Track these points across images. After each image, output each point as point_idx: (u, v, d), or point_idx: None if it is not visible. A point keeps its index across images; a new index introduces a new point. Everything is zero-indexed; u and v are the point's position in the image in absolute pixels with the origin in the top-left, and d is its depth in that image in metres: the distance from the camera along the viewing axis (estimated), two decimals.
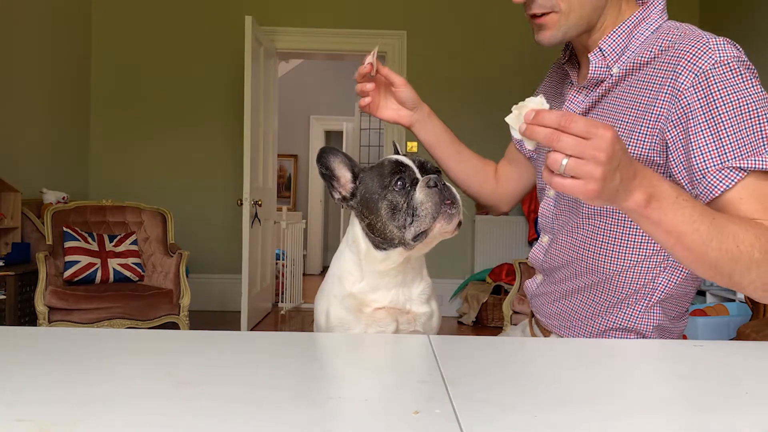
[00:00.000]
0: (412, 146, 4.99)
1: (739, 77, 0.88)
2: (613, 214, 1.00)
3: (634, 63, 0.99)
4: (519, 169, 1.29)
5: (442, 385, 0.64)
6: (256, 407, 0.57)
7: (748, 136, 0.85)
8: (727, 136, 0.86)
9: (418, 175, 0.92)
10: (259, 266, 4.54)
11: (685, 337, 1.16)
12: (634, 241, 0.99)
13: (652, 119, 0.94)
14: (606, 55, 1.01)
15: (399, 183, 0.91)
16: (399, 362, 0.77)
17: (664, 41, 0.96)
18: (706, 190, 0.88)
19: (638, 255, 0.99)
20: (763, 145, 0.85)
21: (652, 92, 0.94)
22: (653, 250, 0.98)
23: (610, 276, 1.01)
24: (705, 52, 0.89)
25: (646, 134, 0.94)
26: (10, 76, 3.82)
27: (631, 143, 0.96)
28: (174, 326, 3.56)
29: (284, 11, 4.95)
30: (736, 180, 0.85)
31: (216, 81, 4.96)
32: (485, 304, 4.59)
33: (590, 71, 1.02)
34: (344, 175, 0.98)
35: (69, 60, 4.62)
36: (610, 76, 1.01)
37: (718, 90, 0.87)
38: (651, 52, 0.97)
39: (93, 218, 3.95)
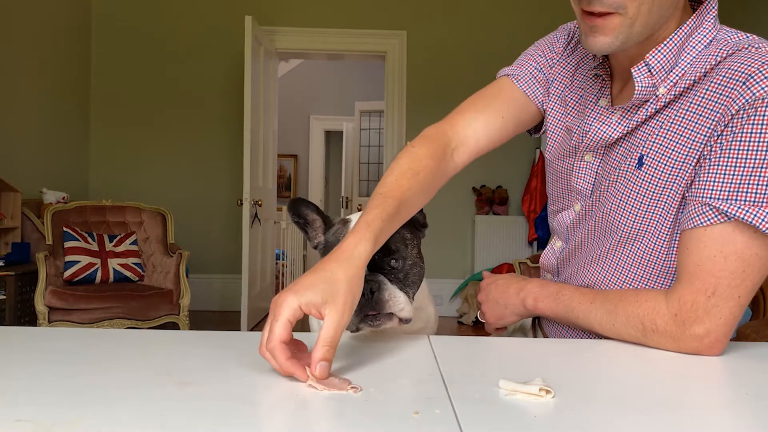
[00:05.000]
0: None
1: None
2: (625, 246, 0.93)
3: (683, 85, 0.85)
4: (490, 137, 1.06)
5: (442, 385, 0.64)
6: (256, 407, 0.57)
7: (757, 183, 0.76)
8: (733, 174, 0.78)
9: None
10: (259, 266, 4.54)
11: None
12: (644, 271, 0.93)
13: (695, 151, 0.83)
14: (653, 72, 0.86)
15: None
16: (399, 362, 0.77)
17: (717, 56, 0.83)
18: (683, 218, 0.84)
19: (646, 282, 0.93)
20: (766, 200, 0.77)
21: (704, 118, 0.82)
22: (665, 280, 0.92)
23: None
24: (767, 77, 0.76)
25: (686, 170, 0.84)
26: (11, 77, 3.82)
27: (666, 175, 0.86)
28: (174, 326, 3.56)
29: (284, 11, 4.95)
30: (712, 221, 0.79)
31: (216, 81, 4.96)
32: None
33: (636, 91, 0.87)
34: (317, 223, 0.94)
35: (69, 60, 4.62)
36: (654, 98, 0.87)
37: (759, 124, 0.76)
38: (702, 70, 0.83)
39: (93, 218, 3.95)
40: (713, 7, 0.88)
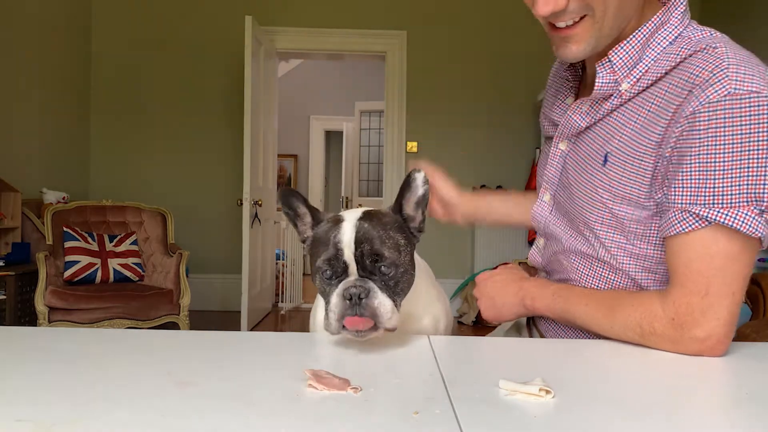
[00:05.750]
0: (412, 146, 4.99)
1: (747, 118, 0.76)
2: (602, 245, 0.94)
3: (646, 81, 0.87)
4: None
5: (442, 385, 0.64)
6: (256, 407, 0.57)
7: (730, 185, 0.77)
8: (706, 179, 0.78)
9: (352, 269, 0.82)
10: (259, 266, 4.54)
11: None
12: (616, 270, 0.93)
13: (652, 147, 0.84)
14: (616, 68, 0.88)
15: (328, 272, 0.83)
16: (399, 362, 0.77)
17: (679, 56, 0.84)
18: (664, 224, 0.83)
19: (630, 277, 0.94)
20: (743, 201, 0.77)
21: (659, 117, 0.84)
22: (647, 274, 0.92)
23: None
24: (720, 80, 0.77)
25: (644, 165, 0.85)
26: (11, 77, 3.82)
27: (628, 172, 0.87)
28: (174, 326, 3.56)
29: (284, 11, 4.96)
30: (693, 227, 0.79)
31: (216, 81, 4.96)
32: None
33: (596, 86, 0.90)
34: (306, 218, 0.92)
35: (69, 60, 4.62)
36: (617, 92, 0.89)
37: (721, 127, 0.77)
38: (665, 69, 0.85)
39: (93, 218, 3.95)
40: (681, 3, 0.88)
